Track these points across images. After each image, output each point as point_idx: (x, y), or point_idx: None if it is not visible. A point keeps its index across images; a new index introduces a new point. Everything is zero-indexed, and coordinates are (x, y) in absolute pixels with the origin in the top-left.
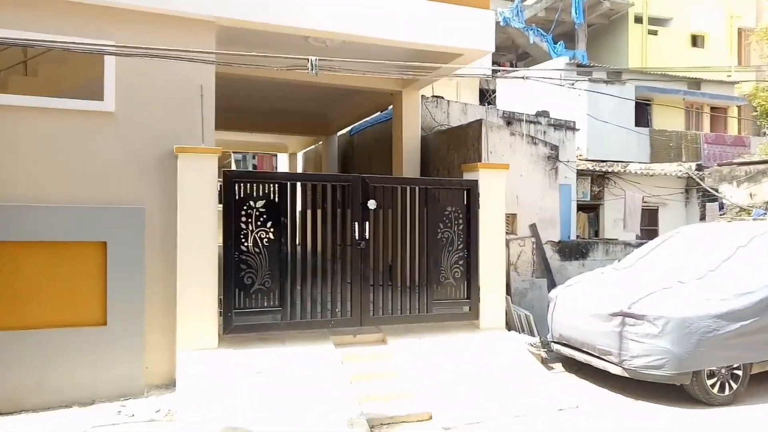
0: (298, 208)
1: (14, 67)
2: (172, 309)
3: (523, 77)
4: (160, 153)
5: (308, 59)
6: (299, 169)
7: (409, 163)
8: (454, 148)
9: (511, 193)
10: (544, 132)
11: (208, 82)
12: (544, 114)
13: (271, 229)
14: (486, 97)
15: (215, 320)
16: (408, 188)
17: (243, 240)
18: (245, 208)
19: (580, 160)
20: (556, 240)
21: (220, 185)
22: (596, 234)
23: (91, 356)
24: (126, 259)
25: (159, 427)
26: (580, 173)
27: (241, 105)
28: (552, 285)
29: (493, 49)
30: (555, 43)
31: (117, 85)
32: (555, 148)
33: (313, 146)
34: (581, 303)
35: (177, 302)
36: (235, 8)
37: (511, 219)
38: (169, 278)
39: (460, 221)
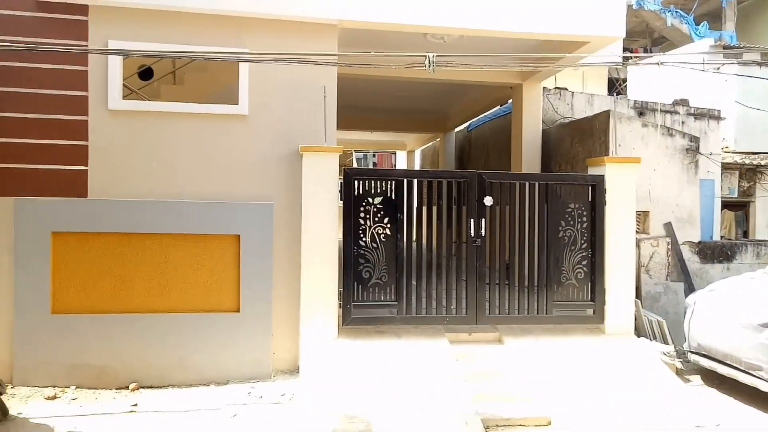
0: (415, 204)
1: (165, 77)
2: (296, 299)
3: (658, 63)
4: (286, 152)
5: (426, 56)
6: (417, 166)
7: (528, 158)
8: (579, 142)
9: (643, 189)
10: (683, 122)
11: (330, 83)
12: (682, 103)
13: (388, 225)
14: (615, 86)
15: (335, 312)
16: (527, 184)
17: (361, 235)
18: (364, 204)
19: (725, 152)
20: (696, 240)
21: (341, 182)
22: (745, 234)
23: (226, 340)
24: (257, 251)
25: (284, 410)
26: (726, 167)
27: (361, 104)
28: (690, 289)
29: (624, 35)
30: (697, 24)
31: (250, 90)
32: (695, 139)
33: (430, 143)
34: (726, 311)
35: (300, 293)
36: (358, 10)
37: (642, 217)
38: (294, 270)
39: (584, 219)
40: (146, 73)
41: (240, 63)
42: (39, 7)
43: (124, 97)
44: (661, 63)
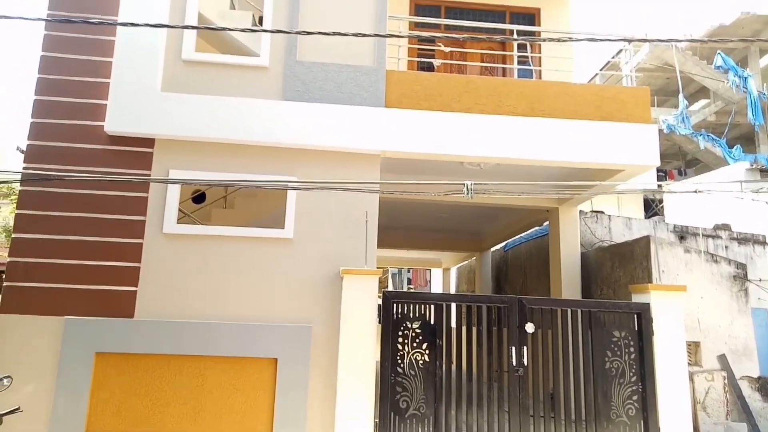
0: (453, 329)
1: (217, 201)
2: (330, 430)
3: (695, 191)
4: (327, 274)
5: (464, 184)
6: (453, 285)
7: (568, 281)
8: (619, 267)
9: (691, 318)
10: (726, 247)
11: (372, 208)
12: (724, 227)
13: (426, 351)
14: (652, 207)
15: None
16: (569, 311)
17: (399, 361)
18: (402, 328)
19: None
20: (755, 375)
21: (379, 304)
22: None
23: None
24: (293, 376)
25: None
26: None
27: (399, 224)
28: (754, 431)
29: (658, 164)
30: (730, 147)
31: (296, 215)
32: (741, 266)
33: (466, 262)
34: None
35: (335, 424)
36: (399, 142)
37: (693, 348)
38: (329, 397)
39: (631, 349)
40: (200, 198)
41: (288, 190)
42: (111, 141)
43: (178, 220)
44: (698, 191)
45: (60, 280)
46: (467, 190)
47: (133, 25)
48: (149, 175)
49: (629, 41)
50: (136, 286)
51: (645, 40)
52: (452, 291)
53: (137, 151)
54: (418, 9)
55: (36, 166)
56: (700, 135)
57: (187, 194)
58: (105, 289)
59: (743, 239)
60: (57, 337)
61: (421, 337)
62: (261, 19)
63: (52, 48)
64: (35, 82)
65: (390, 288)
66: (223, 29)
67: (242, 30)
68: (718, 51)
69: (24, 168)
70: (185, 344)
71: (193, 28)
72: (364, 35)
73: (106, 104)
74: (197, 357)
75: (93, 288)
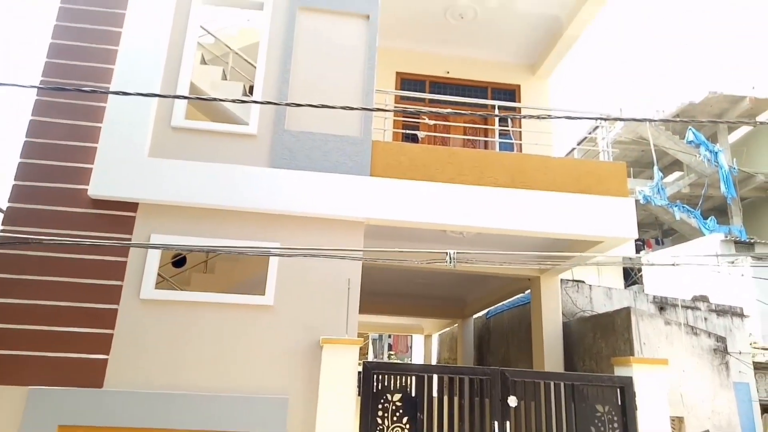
0: (435, 402)
1: (197, 266)
2: None
3: (673, 264)
4: (307, 342)
5: (447, 253)
6: (434, 351)
7: (550, 351)
8: (601, 338)
9: (674, 392)
10: (705, 319)
11: (354, 275)
12: (702, 299)
13: (407, 426)
14: (631, 276)
15: None
16: (552, 383)
17: None
18: (382, 401)
19: (755, 348)
20: None
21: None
22: None
23: None
24: None
25: None
26: (760, 367)
27: (380, 290)
28: None
29: (636, 237)
30: (705, 218)
31: (277, 281)
32: (721, 339)
33: (448, 328)
34: None
35: None
36: (383, 211)
37: (677, 423)
38: None
39: (615, 425)
40: (180, 262)
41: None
42: (94, 205)
43: (156, 285)
44: (676, 264)
45: (27, 347)
46: (450, 259)
47: (125, 94)
48: (130, 239)
49: (605, 119)
50: (108, 354)
51: (619, 119)
52: (434, 358)
53: (119, 215)
54: (403, 82)
55: (14, 229)
56: (676, 206)
57: (167, 258)
58: (75, 357)
59: (721, 311)
60: (18, 408)
61: (401, 411)
62: (252, 87)
63: (41, 112)
64: (22, 145)
65: (370, 354)
66: (214, 99)
67: (233, 101)
68: (690, 127)
69: (1, 231)
70: (156, 417)
71: (185, 98)
72: (352, 108)
73: (91, 168)
74: (168, 431)
75: (62, 356)
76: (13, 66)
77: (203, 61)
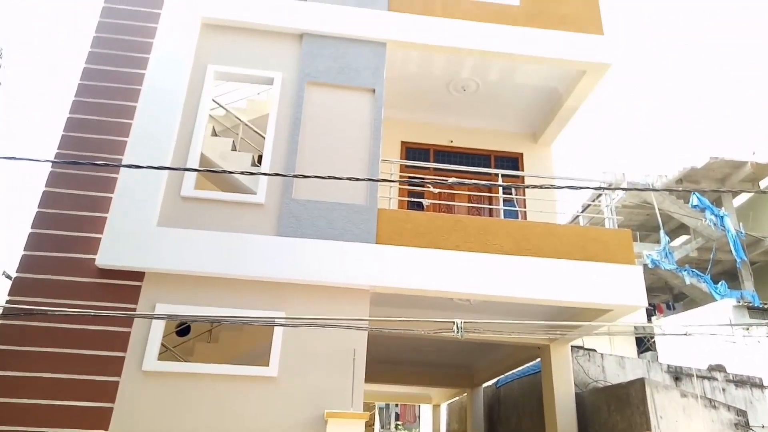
0: None
1: (201, 335)
2: None
3: (685, 333)
4: (311, 415)
5: (454, 322)
6: (443, 422)
7: (563, 424)
8: (616, 410)
9: None
10: (723, 390)
11: (360, 345)
12: (719, 368)
13: None
14: (644, 343)
15: None
16: None
17: None
18: None
19: None
20: None
21: None
22: None
23: None
24: None
25: None
26: None
27: (387, 357)
28: None
29: (645, 305)
30: (715, 282)
31: (281, 352)
32: (742, 413)
33: (457, 398)
34: None
35: None
36: (389, 279)
37: None
38: None
39: None
40: (184, 331)
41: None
42: (100, 274)
43: (160, 354)
44: (689, 333)
45: (25, 422)
46: (457, 328)
47: (137, 167)
48: (135, 309)
49: (608, 189)
50: (107, 430)
51: (623, 189)
52: (443, 429)
53: (125, 284)
54: (408, 151)
55: (19, 299)
56: (685, 270)
57: (171, 328)
58: None
59: (740, 382)
60: None
61: None
62: (260, 157)
63: (55, 183)
64: (33, 215)
65: (377, 424)
66: (224, 172)
67: (241, 173)
68: (693, 191)
69: (7, 302)
70: None
71: (195, 170)
72: (358, 179)
73: (99, 237)
74: None
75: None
76: (29, 138)
77: (214, 133)
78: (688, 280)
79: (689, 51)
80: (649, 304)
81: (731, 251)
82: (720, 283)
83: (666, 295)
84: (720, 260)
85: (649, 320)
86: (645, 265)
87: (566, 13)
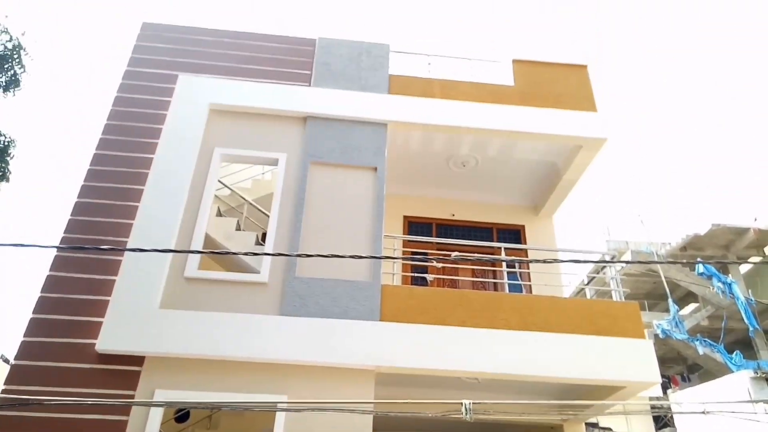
0: None
1: (201, 421)
2: None
3: (703, 411)
4: None
5: (462, 403)
6: None
7: None
8: None
9: None
10: None
11: (366, 429)
12: None
13: None
14: (662, 418)
15: None
16: None
17: None
18: None
19: None
20: None
21: None
22: None
23: None
24: None
25: None
26: None
27: None
28: None
29: (659, 381)
30: (730, 352)
31: None
32: None
33: None
34: None
35: None
36: (394, 358)
37: None
38: None
39: None
40: (183, 416)
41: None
42: (100, 359)
43: None
44: (707, 412)
45: None
46: (466, 410)
47: (141, 250)
48: (133, 396)
49: (611, 262)
50: None
51: (626, 262)
52: None
53: (125, 369)
54: (411, 225)
55: (16, 389)
56: (697, 340)
57: (170, 414)
58: None
59: None
60: None
61: None
62: (264, 235)
63: (59, 268)
64: (35, 300)
65: None
66: (228, 253)
67: (245, 254)
68: (698, 259)
69: (3, 391)
70: None
71: (199, 252)
72: (361, 257)
73: (101, 322)
74: None
75: None
76: (37, 224)
77: (219, 213)
78: (701, 351)
79: (686, 118)
80: (664, 376)
81: (743, 319)
82: (735, 353)
83: (680, 366)
84: (732, 329)
85: (665, 393)
86: (656, 335)
87: (560, 91)
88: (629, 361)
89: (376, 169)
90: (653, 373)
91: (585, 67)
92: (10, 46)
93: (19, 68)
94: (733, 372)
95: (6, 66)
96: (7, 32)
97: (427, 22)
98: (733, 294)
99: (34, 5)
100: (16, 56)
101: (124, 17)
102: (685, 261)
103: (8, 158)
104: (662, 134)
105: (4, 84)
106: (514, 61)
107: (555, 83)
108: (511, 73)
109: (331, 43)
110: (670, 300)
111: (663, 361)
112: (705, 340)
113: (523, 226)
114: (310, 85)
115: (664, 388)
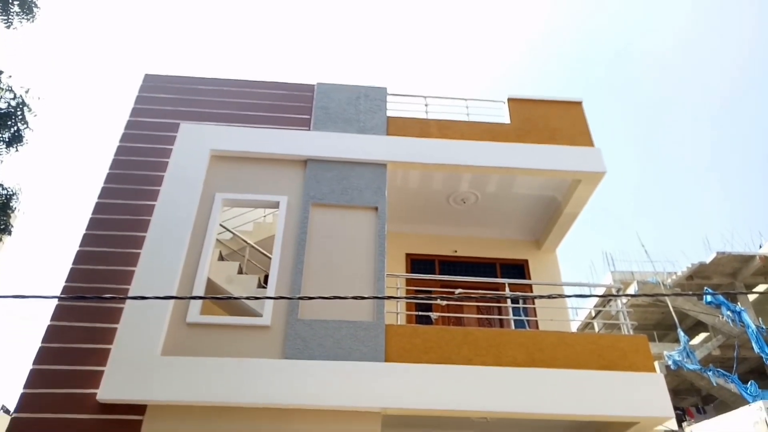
0: None
1: None
2: None
3: None
4: None
5: None
6: None
7: None
8: None
9: None
10: None
11: None
12: None
13: None
14: None
15: None
16: None
17: None
18: None
19: None
20: None
21: None
22: None
23: None
24: None
25: None
26: None
27: None
28: None
29: (672, 416)
30: (744, 382)
31: None
32: None
33: None
34: None
35: None
36: (401, 399)
37: None
38: None
39: None
40: None
41: None
42: (101, 409)
43: None
44: None
45: None
46: None
47: (143, 298)
48: None
49: (617, 296)
50: None
51: (633, 295)
52: None
53: (126, 419)
54: (413, 263)
55: None
56: (710, 371)
57: None
58: None
59: None
60: None
61: None
62: (266, 277)
63: (60, 317)
64: (36, 351)
65: None
66: (229, 298)
67: (247, 298)
68: (705, 288)
69: None
70: None
71: (201, 298)
72: (363, 297)
73: (102, 371)
74: None
75: None
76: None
77: (221, 257)
78: (714, 381)
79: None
80: (678, 408)
81: (756, 348)
82: (749, 382)
83: (694, 398)
84: (745, 357)
85: (680, 426)
86: (667, 367)
87: (556, 127)
88: (640, 395)
89: (376, 208)
90: (666, 408)
91: (580, 103)
92: (13, 103)
93: (23, 125)
94: (749, 402)
95: (9, 123)
96: (11, 90)
97: (423, 64)
98: (743, 322)
99: (38, 62)
100: (19, 113)
101: (126, 70)
102: (691, 293)
103: (10, 211)
104: (663, 166)
105: (7, 140)
106: (510, 100)
107: (551, 119)
108: (507, 112)
109: (330, 87)
110: (679, 330)
111: (676, 393)
112: (718, 371)
113: (526, 261)
114: (309, 129)
115: (680, 420)
